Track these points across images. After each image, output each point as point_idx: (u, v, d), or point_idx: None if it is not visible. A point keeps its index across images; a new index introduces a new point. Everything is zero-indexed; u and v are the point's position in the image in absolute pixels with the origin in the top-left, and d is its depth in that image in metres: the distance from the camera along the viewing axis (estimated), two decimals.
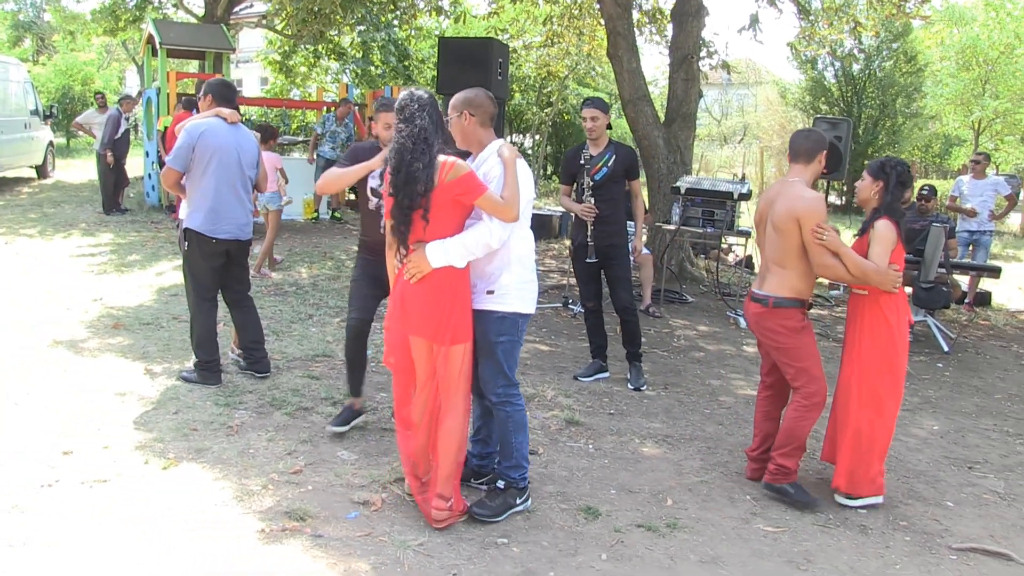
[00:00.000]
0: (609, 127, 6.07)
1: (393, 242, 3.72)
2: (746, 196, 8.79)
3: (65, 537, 3.48)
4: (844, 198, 23.11)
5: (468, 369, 3.75)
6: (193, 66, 15.33)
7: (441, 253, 3.59)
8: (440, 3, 12.21)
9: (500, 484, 4.01)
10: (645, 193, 10.50)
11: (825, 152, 4.44)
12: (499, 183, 3.67)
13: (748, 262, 11.02)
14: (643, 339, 6.58)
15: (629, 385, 6.20)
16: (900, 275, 4.28)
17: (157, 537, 3.53)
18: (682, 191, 9.02)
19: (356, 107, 13.82)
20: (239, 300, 5.63)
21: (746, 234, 9.17)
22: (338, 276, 9.26)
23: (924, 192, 9.44)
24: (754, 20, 10.69)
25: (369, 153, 4.50)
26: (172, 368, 5.72)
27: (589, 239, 6.04)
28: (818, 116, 11.84)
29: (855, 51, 20.81)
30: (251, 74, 40.65)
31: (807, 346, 4.38)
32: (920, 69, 21.84)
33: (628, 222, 7.57)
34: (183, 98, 11.22)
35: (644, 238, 6.17)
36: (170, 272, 8.85)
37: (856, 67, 22.09)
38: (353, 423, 4.83)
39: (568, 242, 7.39)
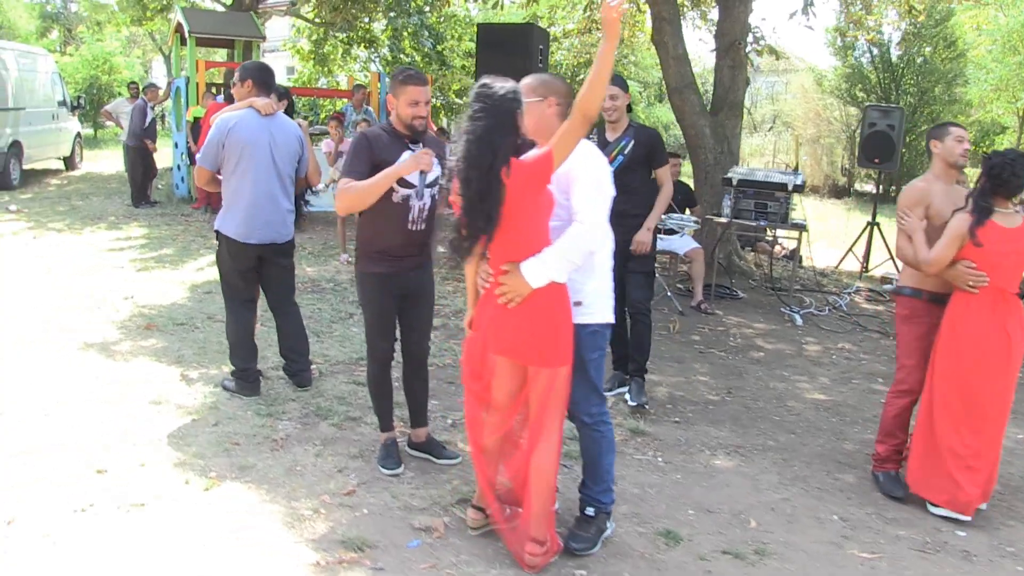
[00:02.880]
0: (630, 109, 5.42)
1: (477, 256, 3.35)
2: (800, 188, 8.37)
3: (100, 573, 3.16)
4: (881, 187, 22.55)
5: (567, 393, 3.38)
6: (221, 55, 15.04)
7: (540, 271, 3.18)
8: None
9: (589, 511, 3.65)
10: (691, 184, 10.11)
11: (943, 137, 4.39)
12: (583, 185, 3.30)
13: (794, 255, 10.59)
14: (696, 338, 6.09)
15: (629, 401, 5.41)
16: (977, 275, 4.06)
17: (201, 572, 3.20)
18: (734, 182, 8.61)
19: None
20: (280, 305, 5.26)
21: (800, 227, 8.74)
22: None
23: None
24: (808, 3, 10.22)
25: (388, 144, 3.88)
26: (209, 374, 5.40)
27: None
28: (870, 104, 11.39)
29: (894, 36, 20.27)
30: (278, 63, 40.25)
31: (909, 335, 4.44)
32: (960, 55, 21.19)
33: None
34: (214, 88, 10.91)
35: (651, 231, 5.43)
36: (204, 268, 8.56)
37: (895, 54, 21.49)
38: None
39: None
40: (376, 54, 18.79)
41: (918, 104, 21.02)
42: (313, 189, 8.66)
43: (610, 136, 5.33)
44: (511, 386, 3.38)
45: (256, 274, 5.11)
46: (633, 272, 5.37)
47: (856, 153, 11.86)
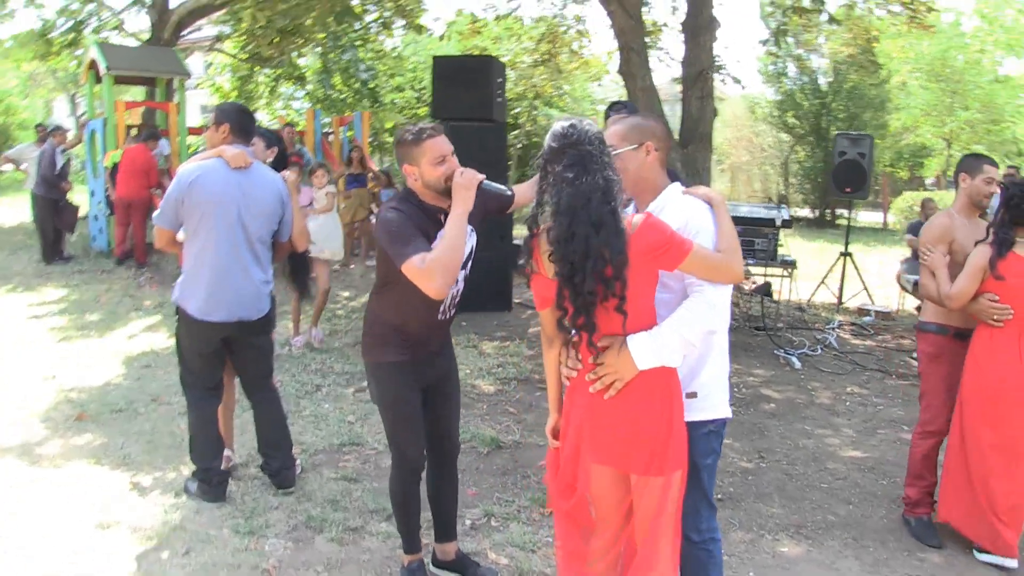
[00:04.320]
0: None
1: (560, 340, 2.64)
2: (788, 224, 7.85)
3: None
4: (817, 212, 22.59)
5: (681, 504, 2.65)
6: (136, 94, 13.96)
7: (651, 349, 2.50)
8: (413, 18, 11.06)
9: None
10: None
11: (974, 173, 4.24)
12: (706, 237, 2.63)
13: (767, 290, 10.04)
14: None
15: None
16: (1001, 308, 3.93)
17: None
18: None
19: (325, 135, 12.60)
20: (254, 392, 4.38)
21: (790, 264, 8.19)
22: (335, 331, 8.02)
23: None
24: (779, 33, 9.79)
25: (423, 221, 3.10)
26: (166, 479, 4.46)
27: None
28: (840, 132, 11.05)
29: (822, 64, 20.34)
30: (192, 101, 38.88)
31: (935, 373, 4.30)
32: (885, 80, 21.43)
33: None
34: (138, 129, 9.90)
35: None
36: (137, 335, 7.54)
37: (823, 80, 21.65)
38: None
39: None
40: (297, 93, 17.87)
41: (849, 129, 21.16)
42: None
43: None
44: (616, 495, 2.66)
45: (223, 356, 4.24)
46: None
47: (787, 179, 11.62)
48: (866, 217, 22.85)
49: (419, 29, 11.07)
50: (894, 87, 21.70)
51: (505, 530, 4.04)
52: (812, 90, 21.49)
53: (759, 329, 8.74)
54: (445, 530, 3.59)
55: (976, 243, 4.08)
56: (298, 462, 4.62)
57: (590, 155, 2.47)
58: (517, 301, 9.88)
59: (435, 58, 9.52)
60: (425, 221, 3.12)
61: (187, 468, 4.42)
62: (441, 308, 3.28)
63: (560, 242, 2.42)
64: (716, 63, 10.01)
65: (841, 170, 9.91)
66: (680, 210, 2.67)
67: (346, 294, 10.09)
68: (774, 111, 22.93)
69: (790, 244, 9.70)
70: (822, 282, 10.67)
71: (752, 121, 24.17)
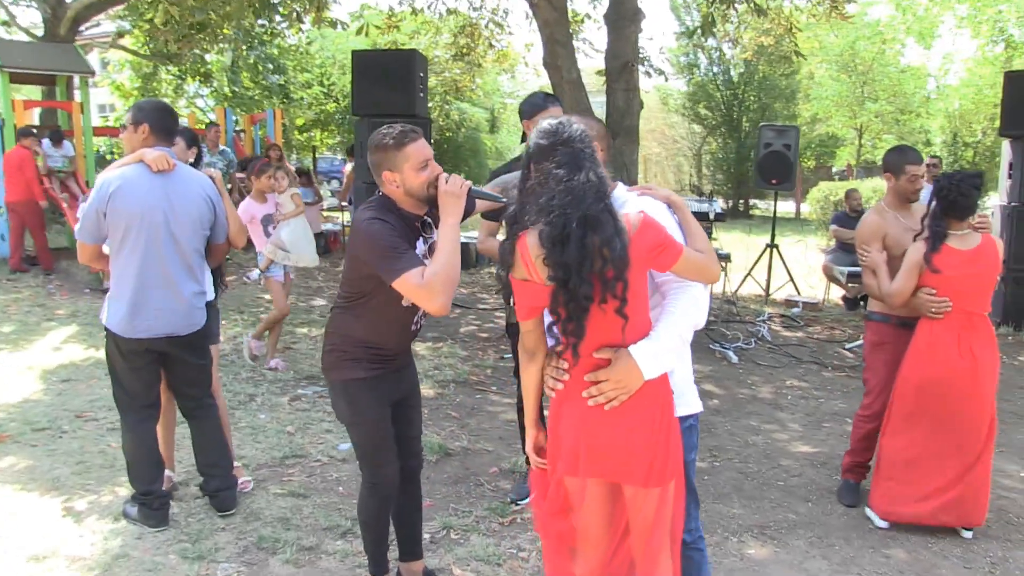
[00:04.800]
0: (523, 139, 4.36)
1: (543, 352, 2.51)
2: (722, 217, 7.91)
3: None
4: (731, 202, 22.96)
5: (677, 509, 2.55)
6: (30, 92, 13.27)
7: (655, 356, 2.38)
8: (324, 9, 10.73)
9: None
10: None
11: (898, 175, 4.33)
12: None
13: None
14: None
15: None
16: (939, 301, 4.02)
17: None
18: None
19: (236, 133, 12.20)
20: (193, 409, 4.12)
21: (724, 257, 8.26)
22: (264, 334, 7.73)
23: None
24: (708, 22, 9.83)
25: (402, 230, 2.91)
26: (102, 502, 4.19)
27: None
28: (764, 124, 11.21)
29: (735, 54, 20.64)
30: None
31: (877, 360, 4.45)
32: (795, 71, 21.96)
33: None
34: (35, 130, 9.39)
35: None
36: (54, 348, 7.13)
37: (734, 72, 22.04)
38: None
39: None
40: (209, 87, 17.29)
41: (760, 120, 21.60)
42: (250, 275, 7.15)
43: None
44: (606, 511, 2.54)
45: (158, 373, 3.99)
46: None
47: (700, 171, 11.74)
48: (779, 207, 23.27)
49: (333, 24, 10.77)
50: (804, 78, 22.25)
51: (466, 543, 3.91)
52: (724, 81, 21.86)
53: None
54: (411, 548, 3.44)
55: (914, 238, 4.14)
56: (249, 480, 4.41)
57: (581, 152, 2.35)
58: None
59: (355, 52, 9.27)
60: (407, 231, 2.96)
61: (124, 489, 4.18)
62: (415, 319, 3.15)
63: (555, 244, 2.28)
64: (640, 55, 10.03)
65: (767, 161, 10.01)
66: (638, 211, 2.58)
67: (268, 296, 9.76)
68: (686, 102, 23.25)
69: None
70: (748, 274, 10.81)
71: (664, 112, 24.47)
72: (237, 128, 13.29)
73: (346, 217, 13.07)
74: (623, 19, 9.49)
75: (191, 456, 4.28)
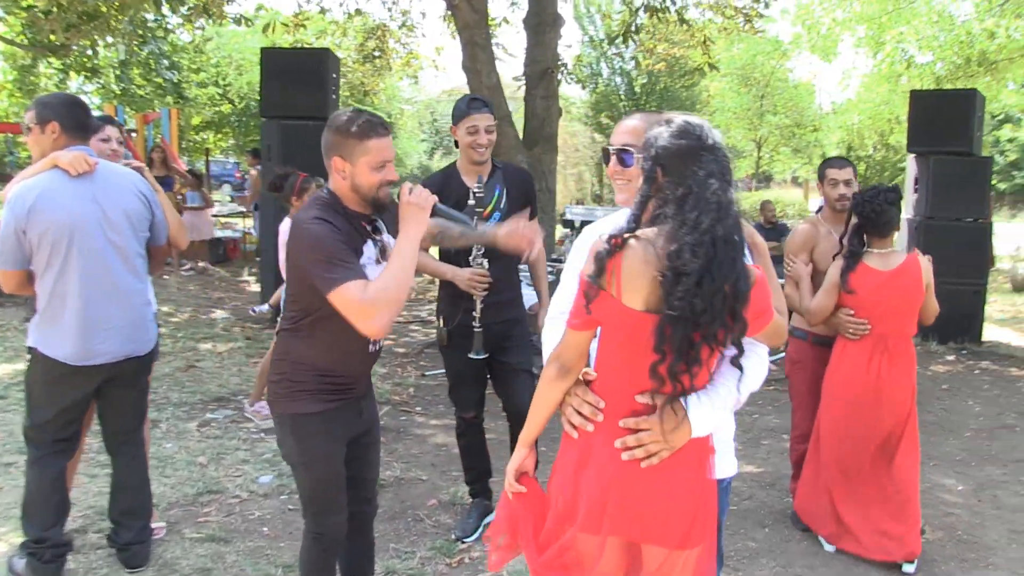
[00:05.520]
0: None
1: (577, 372, 2.15)
2: None
3: None
4: None
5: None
6: None
7: (710, 412, 2.06)
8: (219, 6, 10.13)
9: None
10: None
11: (827, 170, 4.27)
12: None
13: None
14: None
15: None
16: (857, 322, 3.89)
17: None
18: (576, 225, 7.81)
19: (128, 133, 11.37)
20: (122, 444, 3.59)
21: None
22: (160, 353, 7.11)
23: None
24: (630, 30, 9.65)
25: (346, 231, 2.58)
26: None
27: (475, 323, 3.80)
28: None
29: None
30: None
31: (797, 378, 4.38)
32: (695, 83, 22.31)
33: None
34: None
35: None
36: None
37: (637, 83, 22.24)
38: None
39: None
40: (96, 84, 16.25)
41: None
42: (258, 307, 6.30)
43: (472, 183, 3.86)
44: (622, 571, 2.18)
45: (88, 404, 3.48)
46: (517, 370, 4.01)
47: (602, 180, 11.64)
48: None
49: (239, 20, 10.17)
50: (703, 90, 22.64)
51: None
52: (626, 91, 22.04)
53: None
54: None
55: (835, 255, 4.02)
56: (162, 526, 3.90)
57: (727, 163, 2.03)
58: None
59: (264, 51, 8.75)
60: (353, 233, 2.59)
61: (17, 537, 3.62)
62: (374, 339, 2.74)
63: (699, 271, 1.91)
64: (560, 61, 9.81)
65: None
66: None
67: (165, 308, 9.11)
68: (589, 111, 23.34)
69: None
70: None
71: (567, 120, 24.49)
72: (128, 128, 12.47)
73: (248, 223, 12.44)
74: (543, 24, 9.28)
75: (88, 497, 3.74)
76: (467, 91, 9.03)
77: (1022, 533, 4.43)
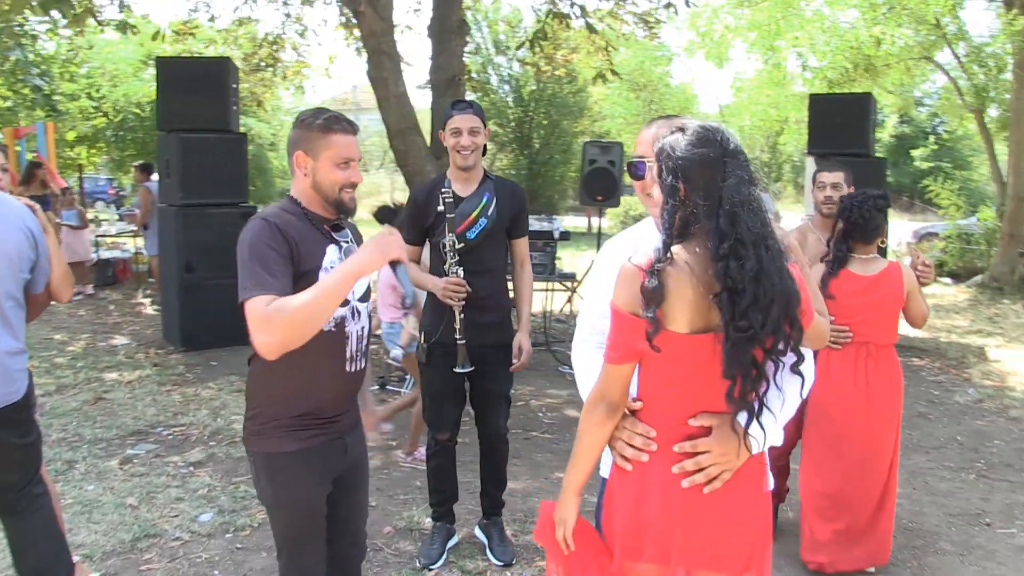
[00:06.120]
0: (484, 151, 3.85)
1: (624, 402, 2.02)
2: (566, 236, 7.68)
3: None
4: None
5: None
6: None
7: (774, 427, 2.00)
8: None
9: None
10: None
11: (816, 173, 4.24)
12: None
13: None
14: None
15: (495, 560, 3.92)
16: (839, 330, 3.75)
17: None
18: None
19: None
20: (15, 502, 3.15)
21: (570, 277, 8.03)
22: (62, 385, 6.64)
23: None
24: (539, 36, 9.59)
25: (305, 234, 2.43)
26: None
27: (457, 335, 3.67)
28: (588, 141, 11.17)
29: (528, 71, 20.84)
30: None
31: None
32: (582, 89, 22.56)
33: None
34: None
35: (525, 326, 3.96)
36: None
37: (525, 90, 22.32)
38: None
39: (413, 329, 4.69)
40: None
41: (550, 136, 22.00)
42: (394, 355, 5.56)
43: (462, 190, 3.74)
44: None
45: None
46: (496, 395, 3.90)
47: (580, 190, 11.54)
48: (570, 222, 23.87)
49: (122, 27, 9.60)
50: (588, 96, 22.90)
51: None
52: (515, 99, 22.07)
53: (538, 345, 8.50)
54: None
55: (820, 259, 3.92)
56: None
57: (750, 167, 1.92)
58: None
59: (159, 59, 8.33)
60: (309, 235, 2.42)
61: None
62: (348, 353, 2.53)
63: (752, 285, 1.83)
64: (465, 69, 9.70)
65: (592, 178, 9.88)
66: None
67: (58, 336, 8.54)
68: None
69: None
70: (573, 292, 10.71)
71: None
72: None
73: (140, 243, 11.78)
74: (447, 32, 9.13)
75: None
76: (353, 100, 8.86)
77: (958, 516, 4.60)
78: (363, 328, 2.55)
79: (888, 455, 3.83)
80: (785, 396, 2.02)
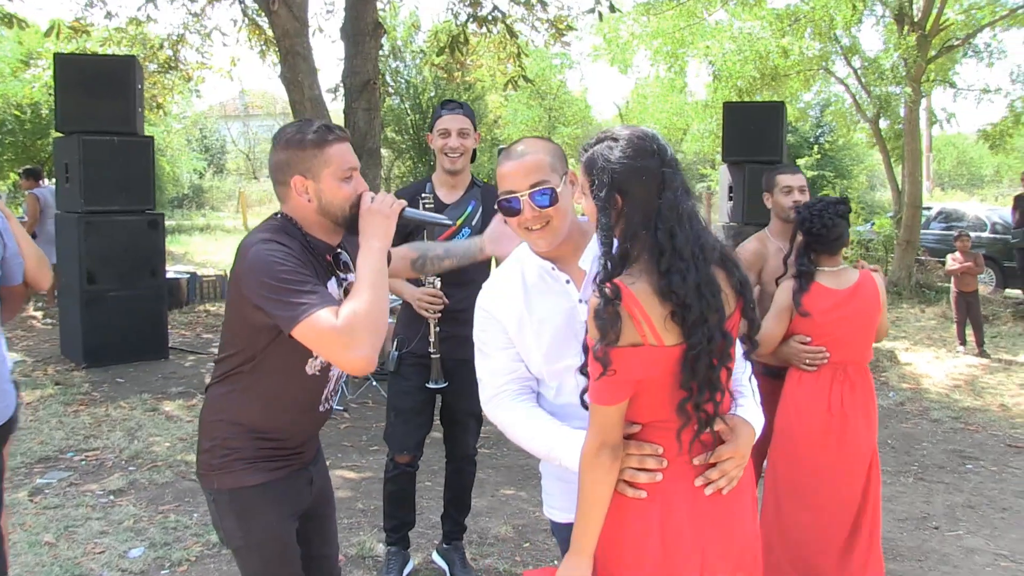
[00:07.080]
0: (474, 157, 3.66)
1: (621, 441, 1.88)
2: None
3: None
4: None
5: None
6: None
7: (755, 409, 2.07)
8: None
9: None
10: None
11: (771, 188, 3.91)
12: None
13: None
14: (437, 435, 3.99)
15: None
16: (814, 351, 3.35)
17: None
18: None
19: None
20: None
21: None
22: None
23: None
24: (459, 41, 9.39)
25: (307, 264, 2.17)
26: None
27: (431, 348, 3.50)
28: (502, 147, 11.09)
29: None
30: None
31: None
32: (480, 96, 22.42)
33: None
34: None
35: None
36: None
37: (423, 97, 22.05)
38: None
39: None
40: None
41: None
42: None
43: (446, 196, 3.56)
44: None
45: None
46: (467, 414, 3.68)
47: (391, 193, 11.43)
48: None
49: (7, 21, 8.97)
50: (488, 103, 22.81)
51: None
52: (413, 106, 21.76)
53: None
54: None
55: (778, 278, 3.54)
56: None
57: (683, 175, 1.89)
58: (172, 346, 8.45)
59: (58, 56, 7.78)
60: (314, 264, 2.17)
61: None
62: (324, 395, 2.34)
63: (696, 297, 1.78)
64: (380, 72, 9.45)
65: None
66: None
67: None
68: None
69: None
70: None
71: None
72: None
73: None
74: (362, 34, 8.88)
75: None
76: (238, 106, 8.46)
77: (906, 521, 4.66)
78: (342, 372, 2.36)
79: (857, 498, 3.39)
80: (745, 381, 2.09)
